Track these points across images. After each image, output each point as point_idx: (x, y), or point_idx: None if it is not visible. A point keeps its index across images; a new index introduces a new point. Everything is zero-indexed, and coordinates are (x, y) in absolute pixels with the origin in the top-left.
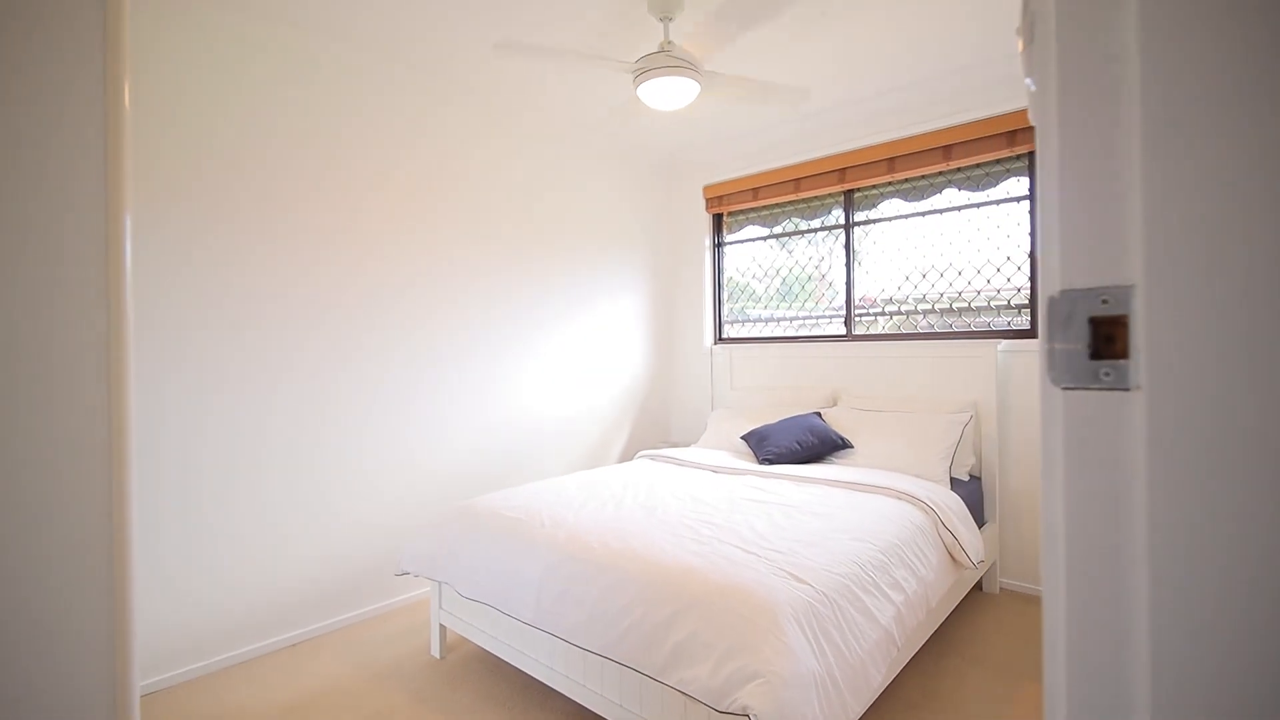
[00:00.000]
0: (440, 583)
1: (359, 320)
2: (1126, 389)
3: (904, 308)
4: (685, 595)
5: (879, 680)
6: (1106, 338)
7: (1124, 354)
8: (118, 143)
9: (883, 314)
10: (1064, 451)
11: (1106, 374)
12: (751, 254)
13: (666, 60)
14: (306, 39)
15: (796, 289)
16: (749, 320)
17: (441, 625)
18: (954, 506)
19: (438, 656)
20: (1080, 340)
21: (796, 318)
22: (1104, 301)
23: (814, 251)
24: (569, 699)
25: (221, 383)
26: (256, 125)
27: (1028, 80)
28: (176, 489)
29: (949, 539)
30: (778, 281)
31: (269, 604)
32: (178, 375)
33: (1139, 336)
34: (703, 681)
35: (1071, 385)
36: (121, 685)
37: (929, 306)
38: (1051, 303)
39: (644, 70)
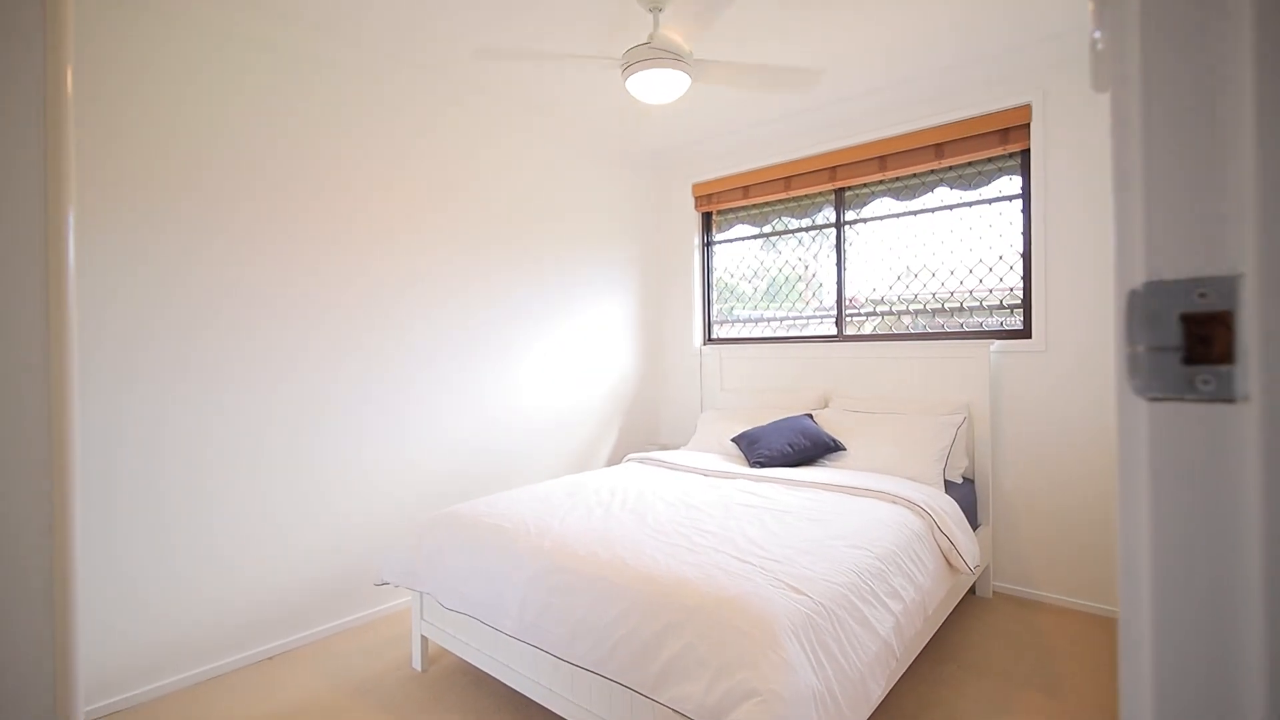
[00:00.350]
0: (421, 593)
1: (359, 320)
2: (1232, 400)
3: (895, 308)
4: (678, 607)
5: (878, 693)
6: (1201, 339)
7: (1227, 358)
8: (59, 133)
9: (873, 314)
10: (1150, 474)
11: (1205, 382)
12: (740, 254)
13: (655, 52)
14: (308, 40)
15: (786, 289)
16: (736, 320)
17: (423, 637)
18: (949, 510)
19: (419, 669)
20: (1171, 342)
21: (786, 318)
22: (1201, 295)
23: (802, 251)
24: (556, 715)
25: (221, 385)
26: (258, 127)
27: (1095, 33)
28: (166, 495)
29: (945, 544)
30: (765, 282)
31: (261, 609)
32: (182, 379)
33: (1248, 336)
34: (697, 699)
35: (1161, 395)
36: (63, 711)
37: (920, 306)
38: (1133, 297)
39: (633, 63)
